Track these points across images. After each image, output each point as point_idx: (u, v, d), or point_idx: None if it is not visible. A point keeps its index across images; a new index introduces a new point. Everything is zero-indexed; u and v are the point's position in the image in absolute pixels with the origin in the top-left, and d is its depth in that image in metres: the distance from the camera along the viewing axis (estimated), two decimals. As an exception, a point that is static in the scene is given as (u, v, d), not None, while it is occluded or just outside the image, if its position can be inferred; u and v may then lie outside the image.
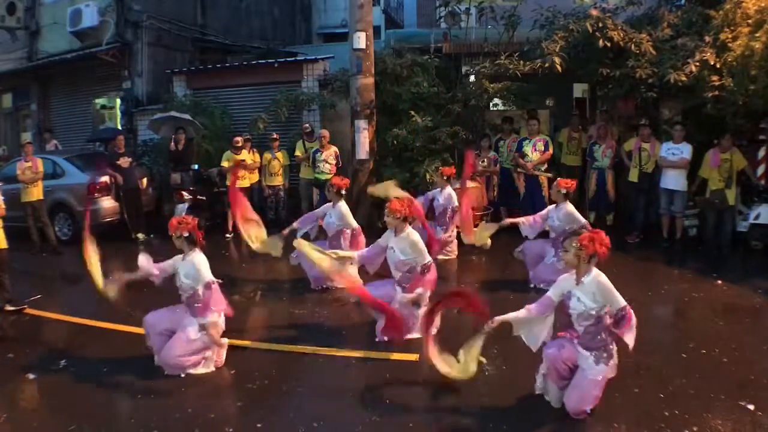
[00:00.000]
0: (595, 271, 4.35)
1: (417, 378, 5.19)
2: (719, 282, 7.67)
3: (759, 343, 5.70)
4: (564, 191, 7.31)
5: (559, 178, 7.70)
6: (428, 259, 5.98)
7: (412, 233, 5.93)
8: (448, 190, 9.02)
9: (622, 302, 4.32)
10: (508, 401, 4.65)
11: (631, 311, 4.33)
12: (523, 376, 4.86)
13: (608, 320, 4.32)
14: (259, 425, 4.42)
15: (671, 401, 4.50)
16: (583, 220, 7.25)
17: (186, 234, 5.51)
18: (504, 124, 11.57)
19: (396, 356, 5.57)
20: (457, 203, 8.75)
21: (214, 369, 5.46)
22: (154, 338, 5.50)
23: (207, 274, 5.42)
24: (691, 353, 5.46)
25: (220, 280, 5.58)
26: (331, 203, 7.87)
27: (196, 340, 5.31)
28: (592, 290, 4.29)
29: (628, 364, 5.12)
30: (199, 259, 5.48)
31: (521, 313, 4.52)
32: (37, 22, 17.13)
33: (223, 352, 5.58)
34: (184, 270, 5.44)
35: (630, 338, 4.32)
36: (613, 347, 4.40)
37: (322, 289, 7.75)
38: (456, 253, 9.17)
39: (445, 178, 9.04)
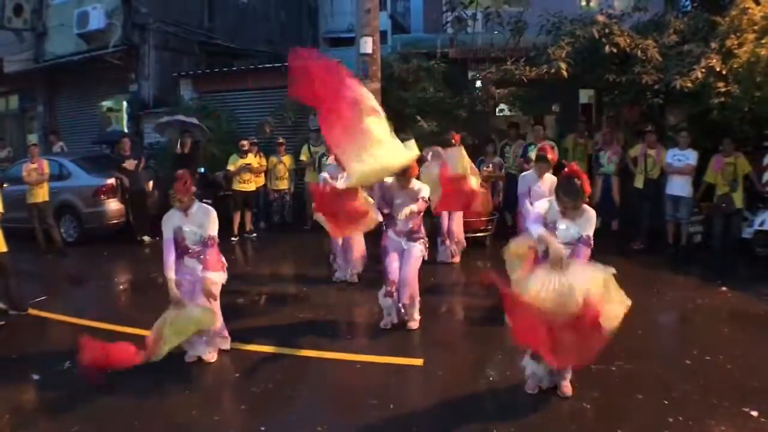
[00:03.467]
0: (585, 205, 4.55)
1: (421, 383, 5.20)
2: (724, 288, 7.65)
3: (763, 349, 5.68)
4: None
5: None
6: None
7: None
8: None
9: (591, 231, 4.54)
10: (513, 406, 4.65)
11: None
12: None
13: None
14: (263, 429, 4.42)
15: (675, 408, 4.49)
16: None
17: (194, 190, 5.48)
18: (510, 130, 11.56)
19: (401, 361, 5.56)
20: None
21: (209, 355, 5.56)
22: None
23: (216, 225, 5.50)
24: (695, 360, 5.44)
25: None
26: None
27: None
28: (582, 220, 4.52)
29: (632, 371, 5.13)
30: (207, 208, 5.52)
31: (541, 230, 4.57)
32: (44, 24, 17.19)
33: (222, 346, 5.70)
34: (197, 222, 5.43)
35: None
36: None
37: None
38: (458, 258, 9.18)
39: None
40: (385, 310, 6.34)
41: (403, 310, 6.22)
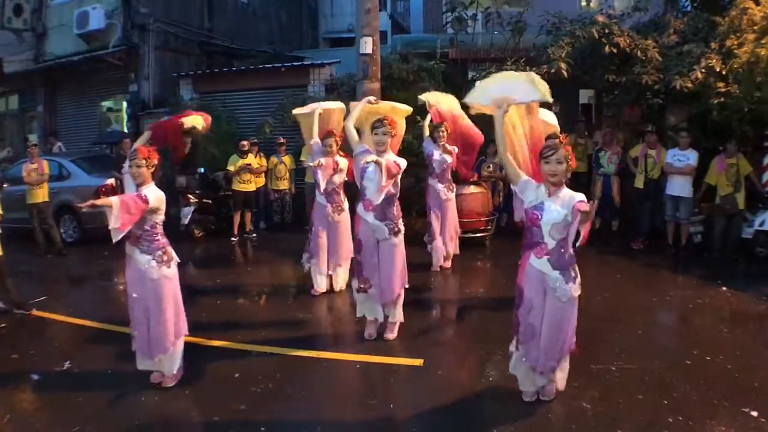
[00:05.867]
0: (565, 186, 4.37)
1: (421, 383, 5.19)
2: (724, 289, 7.65)
3: (763, 349, 5.69)
4: None
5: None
6: None
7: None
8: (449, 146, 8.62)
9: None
10: (513, 406, 4.64)
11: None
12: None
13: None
14: (262, 429, 4.41)
15: (675, 408, 4.49)
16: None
17: (155, 163, 5.03)
18: None
19: (400, 361, 5.56)
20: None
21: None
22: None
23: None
24: (695, 360, 5.44)
25: None
26: None
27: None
28: (564, 198, 4.26)
29: (632, 371, 5.13)
30: (160, 192, 5.01)
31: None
32: (43, 24, 17.20)
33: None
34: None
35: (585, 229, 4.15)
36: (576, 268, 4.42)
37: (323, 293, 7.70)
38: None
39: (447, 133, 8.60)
40: (367, 312, 6.10)
41: (380, 318, 6.03)
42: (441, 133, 8.43)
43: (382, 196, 5.64)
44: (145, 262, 4.94)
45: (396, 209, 5.91)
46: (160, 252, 4.98)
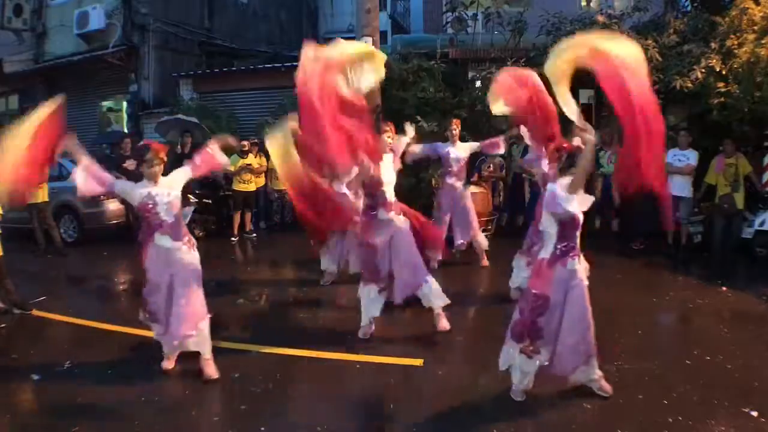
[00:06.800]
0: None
1: (421, 383, 5.20)
2: (724, 289, 7.66)
3: (763, 349, 5.69)
4: None
5: None
6: None
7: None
8: (463, 143, 8.66)
9: None
10: (513, 406, 4.64)
11: None
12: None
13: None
14: (262, 429, 4.42)
15: (675, 408, 4.49)
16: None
17: (165, 158, 5.37)
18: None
19: (400, 361, 5.56)
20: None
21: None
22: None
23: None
24: (695, 360, 5.44)
25: None
26: None
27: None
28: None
29: (632, 371, 5.13)
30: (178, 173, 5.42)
31: None
32: (43, 24, 17.22)
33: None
34: (166, 190, 5.24)
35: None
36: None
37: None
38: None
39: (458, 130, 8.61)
40: (368, 316, 6.10)
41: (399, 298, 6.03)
42: (453, 131, 8.45)
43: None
44: (176, 247, 5.21)
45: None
46: (187, 238, 5.33)
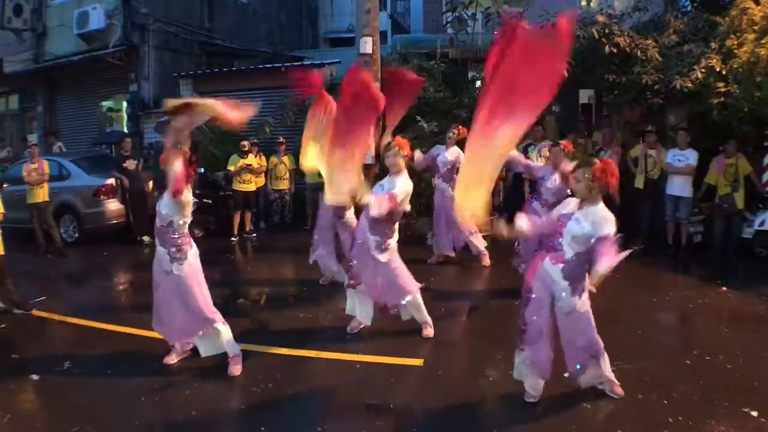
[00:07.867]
0: (601, 204, 4.31)
1: (421, 383, 5.20)
2: (724, 289, 7.66)
3: (763, 350, 5.68)
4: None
5: None
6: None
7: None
8: (456, 148, 8.66)
9: (612, 230, 4.19)
10: (513, 406, 4.65)
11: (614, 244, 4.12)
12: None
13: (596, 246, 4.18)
14: (263, 428, 4.42)
15: (675, 408, 4.49)
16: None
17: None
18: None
19: (400, 361, 5.56)
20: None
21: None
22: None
23: None
24: (695, 360, 5.44)
25: None
26: None
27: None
28: (594, 218, 4.23)
29: (632, 371, 5.12)
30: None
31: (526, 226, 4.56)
32: (43, 24, 17.20)
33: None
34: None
35: (604, 264, 4.00)
36: (586, 281, 4.42)
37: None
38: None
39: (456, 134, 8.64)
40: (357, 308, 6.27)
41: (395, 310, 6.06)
42: (450, 136, 8.65)
43: (375, 213, 5.57)
44: (161, 254, 5.31)
45: (390, 228, 5.90)
46: (174, 249, 5.24)
